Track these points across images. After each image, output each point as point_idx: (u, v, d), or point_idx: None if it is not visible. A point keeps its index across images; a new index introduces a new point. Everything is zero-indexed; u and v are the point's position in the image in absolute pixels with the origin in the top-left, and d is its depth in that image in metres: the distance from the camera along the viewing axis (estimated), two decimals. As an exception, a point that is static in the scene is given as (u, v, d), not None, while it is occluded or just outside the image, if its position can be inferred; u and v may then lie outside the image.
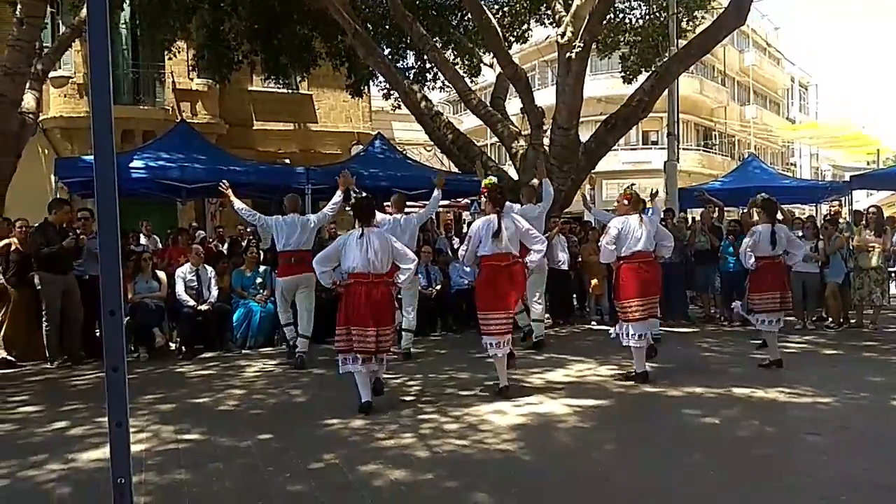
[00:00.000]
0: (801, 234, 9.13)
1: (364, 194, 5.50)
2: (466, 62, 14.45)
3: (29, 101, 9.41)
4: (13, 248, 7.43)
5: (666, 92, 11.98)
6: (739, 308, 7.18)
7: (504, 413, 4.97)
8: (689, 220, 12.54)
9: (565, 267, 9.90)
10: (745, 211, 9.18)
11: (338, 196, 7.08)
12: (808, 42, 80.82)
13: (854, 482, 3.54)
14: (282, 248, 7.12)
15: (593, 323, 9.98)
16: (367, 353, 5.00)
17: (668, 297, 10.11)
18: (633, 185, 6.55)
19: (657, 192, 9.18)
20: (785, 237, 6.57)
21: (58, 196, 8.49)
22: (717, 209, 10.57)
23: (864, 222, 9.38)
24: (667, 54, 13.12)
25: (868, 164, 28.06)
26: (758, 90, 39.88)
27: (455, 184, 12.09)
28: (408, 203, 14.54)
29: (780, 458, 4.01)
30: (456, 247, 10.66)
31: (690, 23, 14.20)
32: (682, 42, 12.68)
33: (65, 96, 14.92)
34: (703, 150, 34.10)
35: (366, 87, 15.41)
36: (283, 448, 4.26)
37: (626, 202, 6.14)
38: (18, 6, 8.62)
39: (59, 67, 13.46)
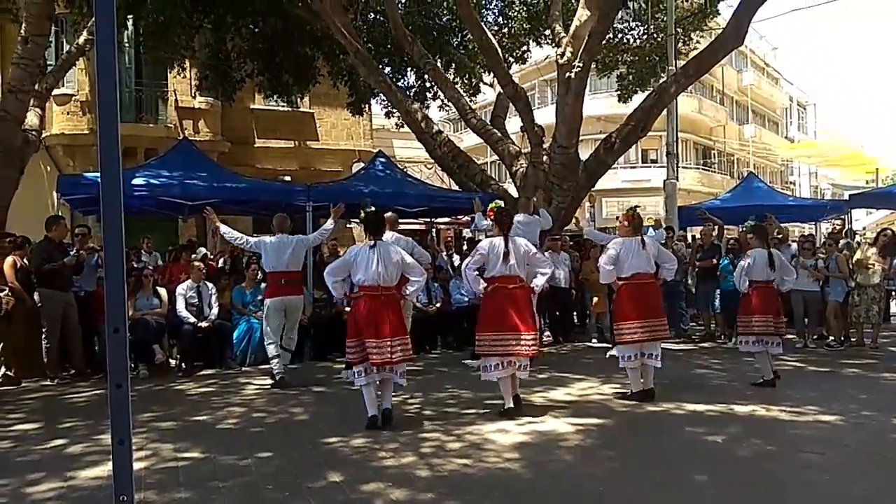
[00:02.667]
0: (793, 253, 9.18)
1: (373, 208, 5.54)
2: (466, 81, 14.56)
3: (32, 118, 9.48)
4: (18, 265, 7.44)
5: (665, 111, 12.07)
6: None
7: (506, 431, 4.95)
8: (689, 239, 12.58)
9: (564, 284, 9.92)
10: (742, 230, 9.22)
11: (329, 223, 7.12)
12: (806, 62, 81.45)
13: (855, 501, 3.53)
14: (271, 270, 7.01)
15: (593, 340, 9.97)
16: (382, 363, 5.03)
17: (670, 315, 10.14)
18: (636, 206, 6.53)
19: (660, 221, 9.22)
20: (779, 262, 6.59)
21: (59, 213, 8.52)
22: (716, 227, 10.60)
23: (868, 240, 9.41)
24: (664, 74, 13.24)
25: (867, 182, 28.19)
26: (756, 109, 40.15)
27: (455, 201, 12.18)
28: (406, 220, 14.66)
29: (782, 476, 3.99)
30: (457, 264, 10.69)
31: (687, 45, 14.35)
32: (680, 62, 12.80)
33: (68, 114, 15.03)
34: (703, 169, 34.26)
35: (367, 106, 15.52)
36: (283, 466, 4.24)
37: (626, 223, 6.15)
38: (23, 25, 8.71)
39: (63, 85, 13.57)
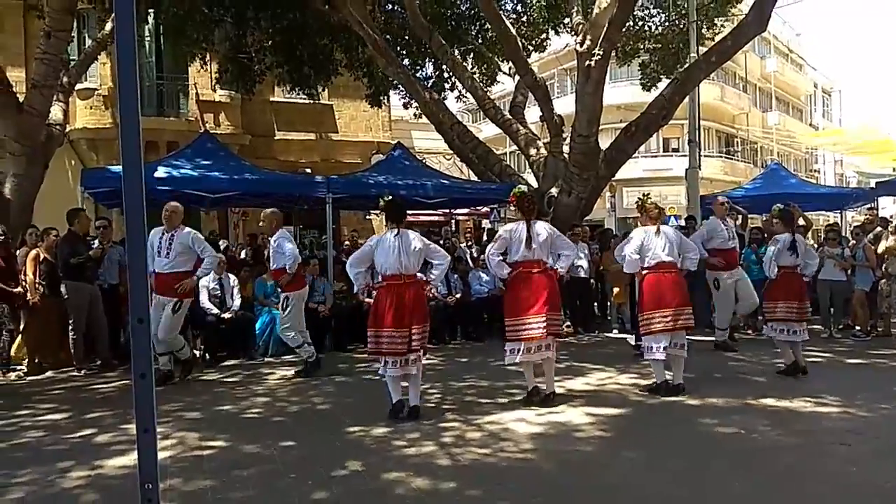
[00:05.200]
0: (815, 244, 9.05)
1: (391, 197, 5.56)
2: (485, 71, 14.49)
3: (56, 112, 9.61)
4: (41, 258, 7.58)
5: (687, 99, 11.89)
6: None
7: (525, 421, 4.96)
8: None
9: (585, 275, 9.87)
10: (767, 219, 9.09)
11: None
12: (830, 48, 79.88)
13: (883, 493, 3.48)
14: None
15: (614, 331, 9.92)
16: (397, 354, 5.05)
17: (693, 305, 10.04)
18: (647, 193, 6.50)
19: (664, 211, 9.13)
20: (802, 247, 6.55)
21: (83, 206, 8.65)
22: (739, 216, 10.46)
23: (892, 229, 9.21)
24: (687, 61, 13.05)
25: (894, 170, 27.59)
26: (780, 96, 39.48)
27: (474, 192, 12.15)
28: (425, 212, 14.67)
29: (807, 468, 3.94)
30: (475, 255, 10.69)
31: (710, 30, 14.12)
32: (702, 49, 12.61)
33: (90, 108, 15.21)
34: (725, 157, 33.80)
35: (385, 97, 15.51)
36: (306, 455, 4.28)
37: (647, 212, 6.10)
38: (46, 20, 8.82)
39: (85, 80, 13.74)
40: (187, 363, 6.88)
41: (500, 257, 5.57)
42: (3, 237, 7.43)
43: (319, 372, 7.06)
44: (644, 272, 5.95)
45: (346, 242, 11.33)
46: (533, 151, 11.61)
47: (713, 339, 8.14)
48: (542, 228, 5.61)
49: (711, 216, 8.46)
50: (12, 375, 7.28)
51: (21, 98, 8.96)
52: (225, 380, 7.01)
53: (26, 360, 7.54)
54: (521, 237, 5.45)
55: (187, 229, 6.65)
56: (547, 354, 5.50)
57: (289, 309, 7.00)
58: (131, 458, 4.01)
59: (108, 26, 10.47)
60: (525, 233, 5.46)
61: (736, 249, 8.15)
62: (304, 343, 7.10)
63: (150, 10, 11.77)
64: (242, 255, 10.71)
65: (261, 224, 7.54)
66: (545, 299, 5.38)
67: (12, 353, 7.53)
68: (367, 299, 6.04)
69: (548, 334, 5.38)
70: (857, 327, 9.13)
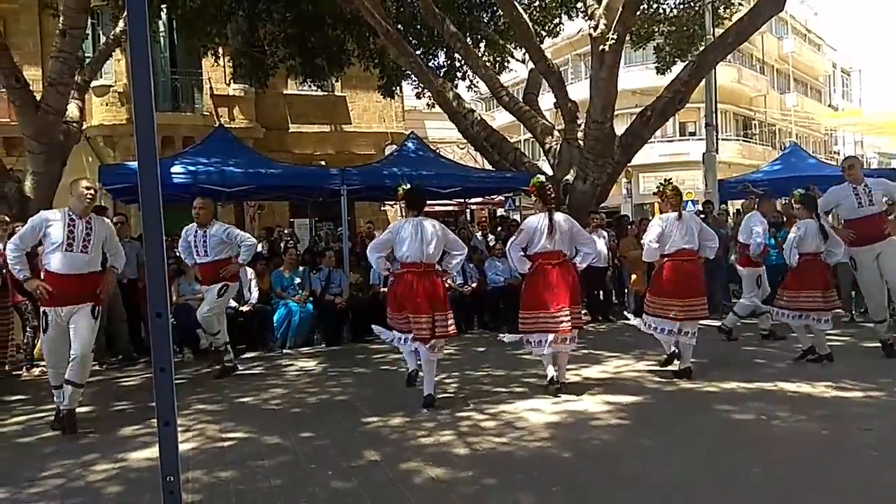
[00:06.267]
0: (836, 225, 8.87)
1: (409, 186, 5.60)
2: (497, 59, 14.40)
3: (73, 110, 9.69)
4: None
5: (703, 82, 11.76)
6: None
7: (541, 411, 4.96)
8: (730, 213, 12.30)
9: (603, 263, 9.81)
10: (787, 202, 8.96)
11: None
12: (849, 27, 78.39)
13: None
14: None
15: (630, 317, 9.85)
16: (422, 339, 5.15)
17: (712, 292, 9.96)
18: (668, 179, 6.35)
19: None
20: (831, 233, 6.35)
21: (101, 203, 8.73)
22: (758, 200, 10.34)
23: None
24: (703, 44, 12.88)
25: (916, 150, 27.11)
26: (798, 77, 38.87)
27: (489, 181, 12.12)
28: (440, 202, 14.64)
29: (827, 452, 3.91)
30: (491, 244, 10.67)
31: (727, 10, 13.91)
32: (718, 31, 12.43)
33: (106, 105, 15.34)
34: (743, 140, 33.38)
35: (398, 88, 15.48)
36: (325, 446, 4.32)
37: (667, 199, 6.03)
38: (61, 18, 8.88)
39: (101, 77, 13.84)
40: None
41: (522, 252, 5.56)
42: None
43: (336, 364, 7.10)
44: (664, 259, 5.91)
45: (364, 233, 11.36)
46: (547, 139, 11.53)
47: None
48: (564, 220, 5.60)
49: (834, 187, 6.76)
50: (36, 371, 7.40)
51: (38, 97, 9.04)
52: (245, 372, 7.07)
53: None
54: (542, 228, 5.44)
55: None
56: (571, 347, 5.55)
57: (225, 296, 6.72)
58: (154, 451, 4.05)
59: (122, 23, 10.53)
60: (546, 223, 5.45)
61: (879, 216, 6.48)
62: (221, 331, 6.77)
63: (164, 6, 11.81)
64: (259, 248, 10.77)
65: (199, 211, 6.66)
66: (567, 292, 5.38)
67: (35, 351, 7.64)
68: (383, 289, 6.11)
69: (573, 327, 5.40)
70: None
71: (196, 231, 6.67)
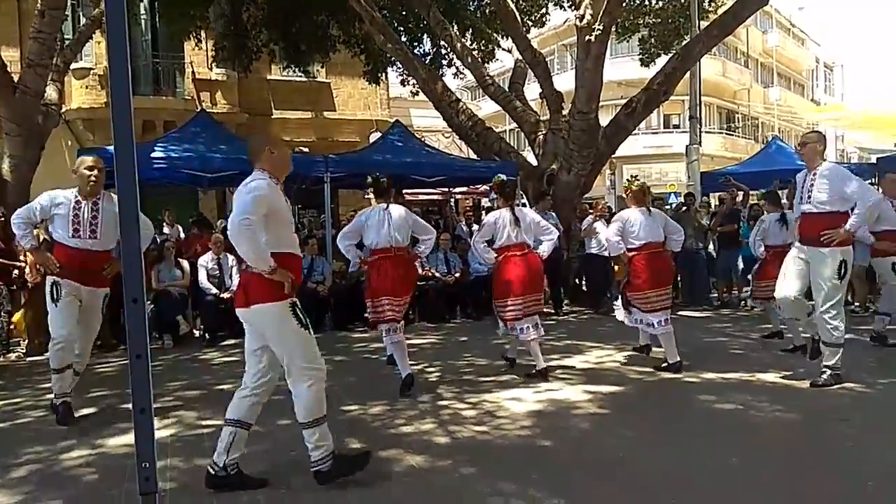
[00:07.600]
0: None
1: (383, 178, 5.70)
2: (483, 48, 14.35)
3: (51, 92, 9.52)
4: (40, 238, 7.55)
5: (688, 74, 11.79)
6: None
7: (522, 400, 4.98)
8: (711, 206, 12.39)
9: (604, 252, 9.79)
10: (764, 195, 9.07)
11: None
12: (833, 22, 78.98)
13: (881, 468, 3.50)
14: None
15: (615, 308, 9.90)
16: (395, 320, 5.30)
17: (693, 283, 10.05)
18: (635, 175, 6.61)
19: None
20: (791, 223, 6.44)
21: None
22: (740, 193, 10.45)
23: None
24: (687, 36, 12.92)
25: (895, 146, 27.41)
26: (781, 72, 39.18)
27: (474, 170, 12.09)
28: (424, 190, 14.60)
29: (805, 443, 3.97)
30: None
31: (712, 3, 13.96)
32: (704, 24, 12.47)
33: (86, 88, 15.07)
34: (726, 134, 33.64)
35: (383, 75, 15.39)
36: (305, 434, 4.29)
37: (631, 194, 6.14)
38: (40, -2, 8.71)
39: (81, 59, 13.59)
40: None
41: (485, 244, 5.86)
42: (1, 218, 7.40)
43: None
44: (632, 254, 5.95)
45: (345, 222, 11.27)
46: (532, 129, 11.53)
47: (708, 314, 8.08)
48: (526, 213, 5.97)
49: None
50: (12, 356, 7.31)
51: (16, 78, 8.88)
52: (225, 359, 7.03)
53: (26, 340, 7.55)
54: (505, 221, 5.70)
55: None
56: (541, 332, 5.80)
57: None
58: (131, 438, 4.02)
59: (102, 5, 10.34)
60: (510, 216, 5.71)
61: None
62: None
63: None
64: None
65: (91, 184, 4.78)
66: (535, 280, 5.74)
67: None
68: (361, 278, 6.30)
69: (535, 313, 5.72)
70: (856, 303, 9.13)
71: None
